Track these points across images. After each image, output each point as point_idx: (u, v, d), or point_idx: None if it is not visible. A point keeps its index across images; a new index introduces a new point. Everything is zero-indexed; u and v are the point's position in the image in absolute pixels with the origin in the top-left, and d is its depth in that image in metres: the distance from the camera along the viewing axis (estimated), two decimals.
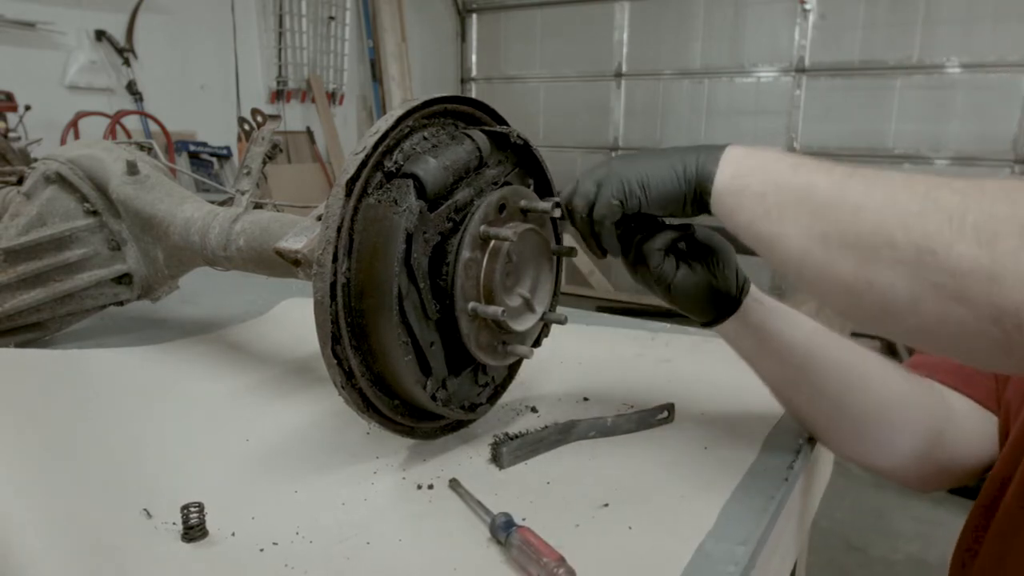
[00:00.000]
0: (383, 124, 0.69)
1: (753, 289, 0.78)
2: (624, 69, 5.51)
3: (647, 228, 0.74)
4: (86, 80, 3.75)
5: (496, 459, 0.78)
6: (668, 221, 0.75)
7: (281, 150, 1.42)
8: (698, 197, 0.66)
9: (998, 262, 0.46)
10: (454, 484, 0.72)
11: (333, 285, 0.67)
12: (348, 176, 0.67)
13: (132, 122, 3.93)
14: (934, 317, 0.50)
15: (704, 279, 0.74)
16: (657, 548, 0.63)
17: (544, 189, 0.86)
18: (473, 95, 5.71)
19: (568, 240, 3.91)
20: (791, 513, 0.79)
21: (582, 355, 1.11)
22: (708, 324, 0.78)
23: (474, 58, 6.31)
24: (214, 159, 4.23)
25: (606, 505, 0.70)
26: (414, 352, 0.71)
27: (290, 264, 0.85)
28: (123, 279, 1.12)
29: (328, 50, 5.15)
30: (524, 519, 0.66)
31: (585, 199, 0.70)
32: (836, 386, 0.77)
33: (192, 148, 4.15)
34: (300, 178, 4.73)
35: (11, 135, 2.89)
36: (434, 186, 0.70)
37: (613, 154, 5.64)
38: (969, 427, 0.81)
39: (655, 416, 0.88)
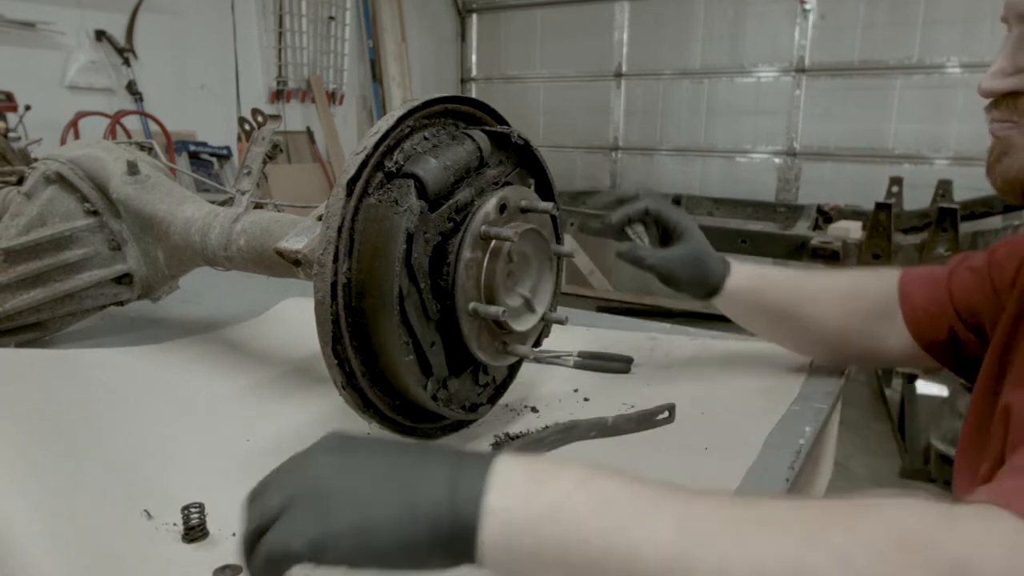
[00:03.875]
0: (384, 124, 0.69)
1: (736, 266, 0.95)
2: (624, 69, 5.50)
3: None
4: (86, 80, 3.75)
5: None
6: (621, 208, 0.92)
7: (281, 150, 1.42)
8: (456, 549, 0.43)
9: None
10: None
11: (334, 285, 0.67)
12: (349, 176, 0.67)
13: (132, 122, 3.92)
14: None
15: (686, 252, 0.91)
16: None
17: (545, 189, 0.86)
18: (473, 95, 5.70)
19: (568, 241, 3.91)
20: None
21: None
22: (703, 297, 0.94)
23: (474, 58, 6.31)
24: (214, 159, 4.22)
25: None
26: (415, 352, 0.71)
27: (291, 264, 0.85)
28: (123, 279, 1.12)
29: (328, 50, 5.14)
30: None
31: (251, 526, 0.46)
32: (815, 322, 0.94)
33: (192, 148, 4.14)
34: (300, 178, 4.72)
35: (11, 135, 2.89)
36: (435, 186, 0.70)
37: (613, 155, 5.62)
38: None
39: (655, 416, 0.88)
